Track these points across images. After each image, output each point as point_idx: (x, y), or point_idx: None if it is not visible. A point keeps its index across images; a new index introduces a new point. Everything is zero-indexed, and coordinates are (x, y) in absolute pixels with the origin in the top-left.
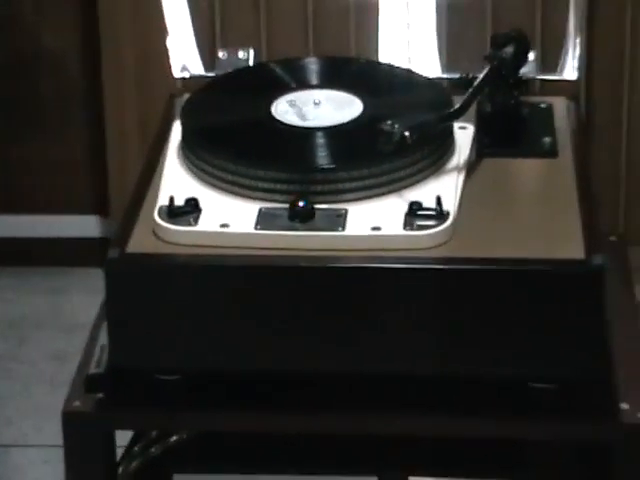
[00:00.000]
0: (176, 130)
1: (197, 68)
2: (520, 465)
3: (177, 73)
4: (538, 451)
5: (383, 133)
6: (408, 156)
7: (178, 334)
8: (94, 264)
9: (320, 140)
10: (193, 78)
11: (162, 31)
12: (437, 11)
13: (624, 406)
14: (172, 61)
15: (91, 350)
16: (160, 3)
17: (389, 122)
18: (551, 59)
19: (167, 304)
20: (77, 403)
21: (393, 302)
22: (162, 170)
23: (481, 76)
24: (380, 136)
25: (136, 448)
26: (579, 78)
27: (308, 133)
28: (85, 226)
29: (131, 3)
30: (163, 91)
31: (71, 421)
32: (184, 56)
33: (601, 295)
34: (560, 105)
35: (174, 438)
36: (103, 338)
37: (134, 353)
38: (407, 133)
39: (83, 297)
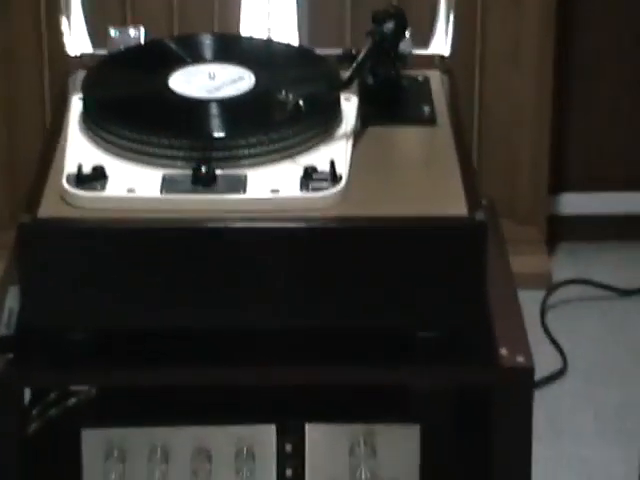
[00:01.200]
0: (75, 103)
1: (89, 46)
2: (407, 410)
3: (71, 51)
4: (424, 397)
5: (278, 102)
6: (301, 124)
7: (86, 295)
8: None
9: (218, 110)
10: (85, 57)
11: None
12: None
13: (503, 351)
14: (65, 39)
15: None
16: None
17: (283, 92)
18: (424, 35)
19: (76, 266)
20: None
21: (292, 260)
22: (65, 141)
23: (365, 50)
24: (275, 105)
25: (35, 410)
26: (451, 53)
27: (206, 103)
28: None
29: None
30: (29, 80)
31: None
32: (76, 35)
33: (483, 249)
34: (435, 78)
35: (80, 393)
36: (10, 301)
37: (44, 313)
38: (300, 101)
39: None
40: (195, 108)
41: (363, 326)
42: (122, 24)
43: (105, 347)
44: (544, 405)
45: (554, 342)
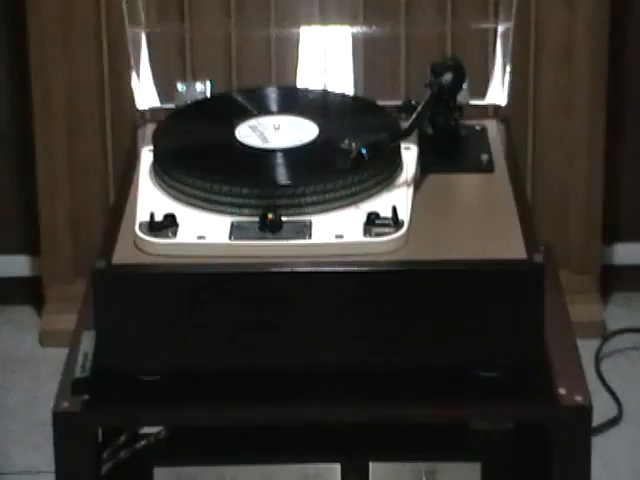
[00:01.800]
0: (145, 155)
1: (157, 101)
2: (469, 448)
3: (140, 105)
4: (485, 435)
5: (342, 151)
6: (364, 172)
7: (158, 337)
8: (24, 302)
9: (283, 159)
10: (153, 110)
11: (91, 75)
12: (353, 43)
13: (562, 391)
14: (135, 94)
15: (74, 357)
16: (87, 49)
17: (346, 141)
18: (480, 87)
19: (149, 310)
20: (65, 404)
21: (357, 302)
22: (137, 191)
23: (424, 101)
24: (339, 153)
25: (106, 452)
26: (507, 103)
27: (272, 153)
28: (15, 265)
29: (60, 50)
30: (92, 135)
31: (60, 420)
32: (144, 89)
33: (541, 290)
34: (492, 127)
35: (151, 435)
36: (85, 346)
37: (119, 355)
38: (363, 150)
39: (14, 334)
40: (261, 157)
41: (427, 365)
42: (182, 77)
43: (176, 388)
44: (600, 452)
45: (609, 390)
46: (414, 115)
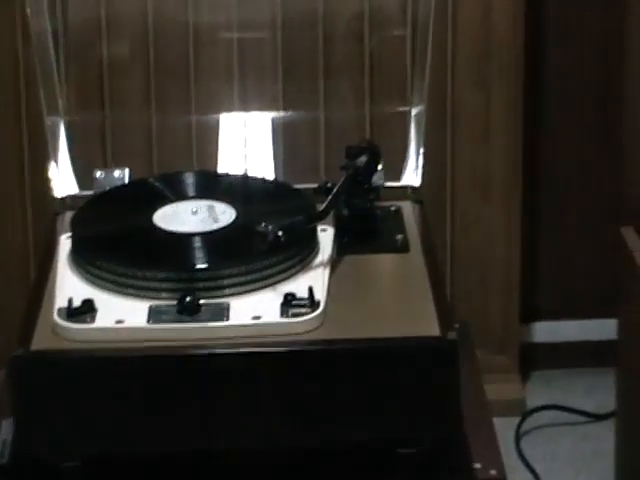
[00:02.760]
0: (63, 242)
1: (76, 188)
2: None
3: (58, 193)
4: None
5: (258, 233)
6: (280, 254)
7: (78, 423)
8: None
9: (201, 242)
10: (72, 198)
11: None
12: (273, 128)
13: (477, 465)
14: (52, 182)
15: None
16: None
17: (263, 224)
18: (397, 168)
19: (68, 396)
20: None
21: (277, 383)
22: (55, 277)
23: (339, 183)
24: (256, 236)
25: None
26: (421, 184)
27: (189, 237)
28: None
29: None
30: (12, 223)
31: None
32: (62, 177)
33: (456, 367)
34: (407, 208)
35: None
36: (4, 433)
37: (39, 442)
38: (280, 233)
39: None
40: (178, 242)
41: (345, 444)
42: (103, 164)
43: (96, 475)
44: None
45: (529, 467)
46: (329, 197)
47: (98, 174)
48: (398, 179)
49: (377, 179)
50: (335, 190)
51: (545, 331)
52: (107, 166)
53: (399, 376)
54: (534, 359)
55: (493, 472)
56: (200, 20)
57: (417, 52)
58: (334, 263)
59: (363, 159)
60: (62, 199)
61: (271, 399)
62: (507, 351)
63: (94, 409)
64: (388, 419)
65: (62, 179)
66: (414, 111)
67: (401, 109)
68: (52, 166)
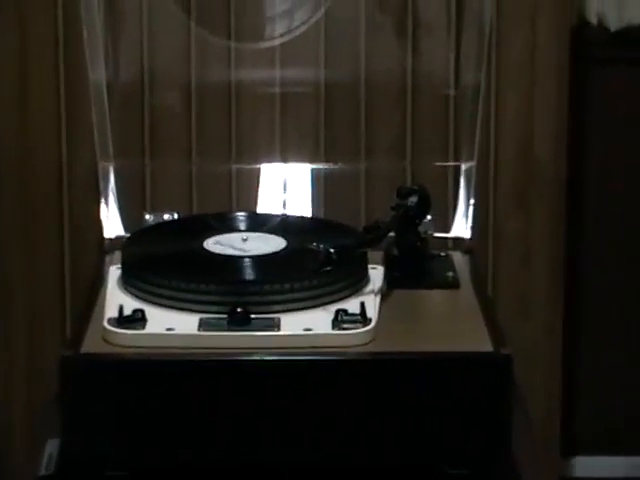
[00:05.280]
0: (112, 272)
1: (121, 230)
2: None
3: (107, 233)
4: None
5: (310, 251)
6: (332, 273)
7: (126, 430)
8: None
9: (252, 262)
10: (117, 239)
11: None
12: (312, 178)
13: None
14: (103, 223)
15: (41, 452)
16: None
17: (315, 243)
18: (438, 222)
19: (116, 401)
20: None
21: (326, 396)
22: (105, 298)
23: (390, 218)
24: (308, 254)
25: None
26: (472, 237)
27: (241, 258)
28: None
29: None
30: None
31: None
32: (111, 219)
33: (510, 382)
34: (457, 257)
35: None
36: (49, 449)
37: (85, 448)
38: (332, 250)
39: None
40: (230, 261)
41: (394, 462)
42: (144, 209)
43: None
44: None
45: None
46: (380, 227)
47: (147, 217)
48: (445, 231)
49: (426, 227)
50: (386, 222)
51: (585, 466)
52: (146, 210)
53: (452, 391)
54: None
55: None
56: (242, 77)
57: (465, 111)
58: (384, 295)
59: (414, 199)
60: (111, 239)
61: (320, 413)
62: None
63: (141, 416)
64: (438, 437)
65: (111, 221)
66: (464, 166)
67: (446, 164)
68: (102, 208)
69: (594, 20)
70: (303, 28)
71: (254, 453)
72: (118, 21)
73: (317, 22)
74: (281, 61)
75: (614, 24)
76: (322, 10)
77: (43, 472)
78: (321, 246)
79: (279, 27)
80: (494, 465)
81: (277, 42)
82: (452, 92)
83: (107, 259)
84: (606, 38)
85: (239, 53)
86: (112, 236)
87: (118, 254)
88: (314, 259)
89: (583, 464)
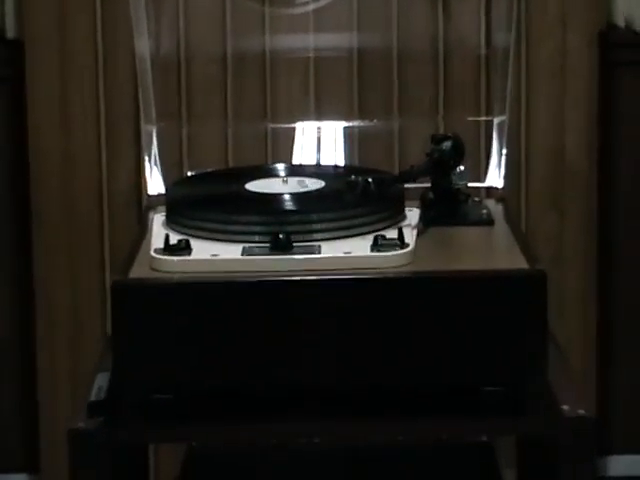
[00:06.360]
0: (157, 218)
1: (163, 188)
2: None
3: (151, 190)
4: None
5: (349, 183)
6: (370, 204)
7: (173, 353)
8: None
9: (293, 197)
10: (160, 196)
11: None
12: (347, 136)
13: (565, 405)
14: (147, 181)
15: (94, 379)
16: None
17: (353, 176)
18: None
19: (164, 325)
20: (81, 424)
21: (367, 314)
22: (151, 235)
23: (425, 162)
24: (347, 185)
25: None
26: (505, 186)
27: (280, 195)
28: None
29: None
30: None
31: (76, 439)
32: (155, 178)
33: (544, 299)
34: (490, 204)
35: None
36: (99, 381)
37: (134, 371)
38: (370, 180)
39: None
40: (272, 198)
41: (430, 382)
42: (181, 170)
43: (190, 406)
44: None
45: None
46: (415, 167)
47: (188, 174)
48: (480, 181)
49: (460, 178)
50: (421, 164)
51: (620, 465)
52: (183, 171)
53: (488, 308)
54: None
55: (581, 411)
56: (276, 42)
57: (497, 68)
58: (421, 230)
59: (448, 144)
60: (154, 196)
61: (358, 333)
62: None
63: (188, 340)
64: (474, 355)
65: (154, 179)
66: (496, 120)
67: (478, 118)
68: (146, 167)
69: (621, 23)
70: None
71: (295, 375)
72: None
73: None
74: (315, 26)
75: None
76: None
77: (94, 397)
78: (360, 178)
79: None
80: (529, 384)
81: (311, 8)
82: (483, 52)
83: (151, 213)
84: (633, 40)
85: (273, 19)
86: (155, 193)
87: (161, 209)
88: (353, 189)
89: (617, 462)
